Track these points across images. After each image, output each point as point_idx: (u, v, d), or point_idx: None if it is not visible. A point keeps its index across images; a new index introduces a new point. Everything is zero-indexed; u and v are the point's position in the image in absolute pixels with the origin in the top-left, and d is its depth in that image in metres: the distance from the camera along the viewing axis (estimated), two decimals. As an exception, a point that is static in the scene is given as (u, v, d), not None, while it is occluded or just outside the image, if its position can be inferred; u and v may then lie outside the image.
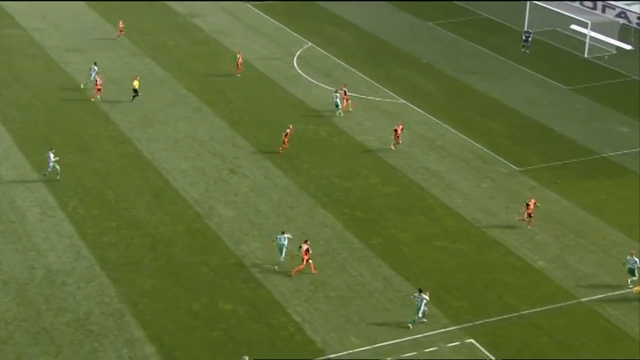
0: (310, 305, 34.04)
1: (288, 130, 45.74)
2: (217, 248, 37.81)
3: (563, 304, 34.14)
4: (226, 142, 47.64)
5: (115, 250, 37.52)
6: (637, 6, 66.82)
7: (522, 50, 60.68)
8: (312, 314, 33.54)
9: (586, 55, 59.73)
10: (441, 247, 37.99)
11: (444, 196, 42.01)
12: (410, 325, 32.42)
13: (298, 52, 60.63)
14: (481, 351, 31.50)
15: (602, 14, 65.79)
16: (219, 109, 51.64)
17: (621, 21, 63.85)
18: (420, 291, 32.73)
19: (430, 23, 66.87)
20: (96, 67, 53.20)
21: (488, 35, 64.03)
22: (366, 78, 55.64)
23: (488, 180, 43.72)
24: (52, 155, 42.43)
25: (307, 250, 35.41)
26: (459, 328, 32.62)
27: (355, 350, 31.56)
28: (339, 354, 31.41)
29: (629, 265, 35.03)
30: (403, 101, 52.84)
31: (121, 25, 61.92)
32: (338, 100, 50.31)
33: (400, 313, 33.47)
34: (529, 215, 38.93)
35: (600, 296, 34.56)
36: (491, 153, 46.40)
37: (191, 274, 36.01)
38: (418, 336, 32.22)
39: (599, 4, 67.29)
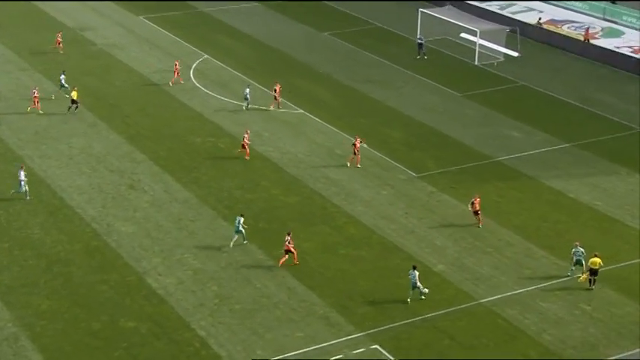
0: (215, 319, 33.66)
1: (246, 135, 46.22)
2: (117, 265, 36.92)
3: (463, 306, 34.91)
4: (124, 157, 46.66)
5: (8, 272, 36.12)
6: (522, 14, 69.29)
7: (419, 57, 61.98)
8: (217, 328, 33.16)
9: (476, 63, 61.54)
10: (344, 255, 38.27)
11: (345, 205, 42.37)
12: (409, 300, 34.40)
13: (194, 65, 60.06)
14: (385, 356, 31.87)
15: (490, 22, 67.83)
16: (115, 124, 50.55)
17: (508, 29, 66.05)
18: (414, 267, 34.27)
19: (325, 34, 67.47)
20: (64, 76, 52.01)
21: (383, 44, 65.11)
22: (264, 89, 55.62)
23: (388, 187, 44.37)
24: (22, 173, 41.06)
25: (290, 241, 36.23)
26: (363, 335, 32.89)
27: (262, 362, 31.45)
28: (245, 367, 31.23)
29: (576, 257, 35.94)
30: (302, 111, 53.07)
31: (59, 37, 60.72)
32: (248, 94, 51.87)
33: (305, 323, 33.52)
34: (476, 213, 39.63)
35: (498, 297, 35.53)
36: (389, 160, 47.13)
37: (90, 293, 35.04)
38: (324, 345, 32.32)
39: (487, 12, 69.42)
